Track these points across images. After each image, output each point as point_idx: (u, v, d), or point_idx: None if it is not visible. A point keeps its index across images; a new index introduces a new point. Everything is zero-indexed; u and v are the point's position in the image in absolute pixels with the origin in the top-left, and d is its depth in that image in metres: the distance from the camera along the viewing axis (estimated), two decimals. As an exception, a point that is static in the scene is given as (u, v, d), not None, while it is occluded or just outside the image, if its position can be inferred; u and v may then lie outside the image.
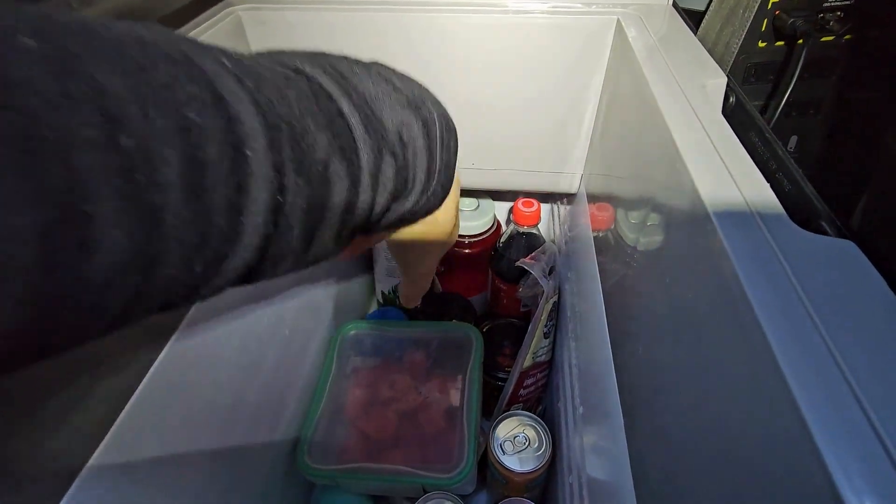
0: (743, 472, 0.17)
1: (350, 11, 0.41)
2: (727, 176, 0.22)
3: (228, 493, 0.42)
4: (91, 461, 0.27)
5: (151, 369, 0.32)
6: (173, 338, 0.34)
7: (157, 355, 0.33)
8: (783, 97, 0.43)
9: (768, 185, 0.21)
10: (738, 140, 0.24)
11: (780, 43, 0.44)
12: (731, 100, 0.41)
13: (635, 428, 0.29)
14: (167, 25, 0.35)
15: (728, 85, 0.42)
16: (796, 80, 0.43)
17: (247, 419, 0.45)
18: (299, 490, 0.56)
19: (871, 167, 0.38)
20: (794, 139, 0.47)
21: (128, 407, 0.30)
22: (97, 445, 0.28)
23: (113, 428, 0.29)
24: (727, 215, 0.20)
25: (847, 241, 0.19)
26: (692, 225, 0.22)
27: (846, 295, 0.17)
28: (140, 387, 0.31)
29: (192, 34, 0.37)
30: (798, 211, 0.34)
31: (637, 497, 0.28)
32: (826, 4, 0.41)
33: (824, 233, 0.32)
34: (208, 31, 0.38)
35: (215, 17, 0.40)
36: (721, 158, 0.23)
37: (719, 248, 0.19)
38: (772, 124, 0.45)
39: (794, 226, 0.19)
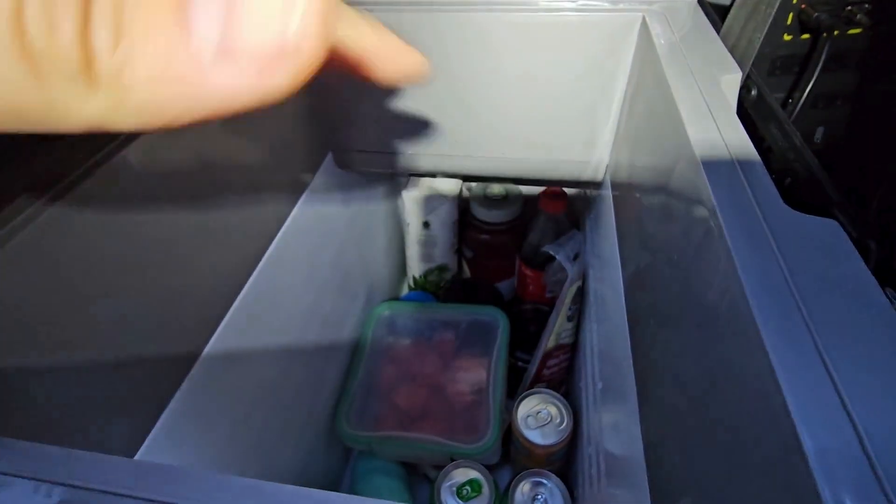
0: (734, 445, 0.20)
1: (387, 12, 0.44)
2: (735, 169, 0.24)
3: (276, 455, 0.47)
4: (164, 414, 0.32)
5: (209, 343, 0.37)
6: (227, 315, 0.39)
7: (215, 330, 0.38)
8: (806, 89, 0.44)
9: (767, 173, 0.23)
10: (746, 135, 0.26)
11: (806, 36, 0.44)
12: (752, 92, 0.42)
13: (647, 406, 0.32)
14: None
15: (750, 77, 0.43)
16: (821, 73, 0.44)
17: (292, 390, 0.49)
18: (339, 455, 0.60)
19: (888, 160, 0.39)
20: (820, 130, 0.48)
21: (191, 374, 0.35)
22: (167, 403, 0.33)
23: (179, 391, 0.34)
24: (728, 204, 0.22)
25: (830, 220, 0.21)
26: (698, 215, 0.24)
27: (825, 270, 0.19)
28: (201, 356, 0.36)
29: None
30: (814, 201, 0.36)
31: (647, 467, 0.31)
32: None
33: (838, 222, 0.34)
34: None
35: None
36: (728, 151, 0.25)
37: (719, 235, 0.21)
38: (794, 115, 0.46)
39: (786, 207, 0.22)
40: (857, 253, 0.20)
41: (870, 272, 0.19)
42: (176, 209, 0.33)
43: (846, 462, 0.14)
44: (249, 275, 0.42)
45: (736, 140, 0.26)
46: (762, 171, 0.23)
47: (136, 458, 0.31)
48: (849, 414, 0.16)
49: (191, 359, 0.35)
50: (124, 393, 0.30)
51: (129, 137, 0.30)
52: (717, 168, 0.24)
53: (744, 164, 0.24)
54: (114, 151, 0.29)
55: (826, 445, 0.15)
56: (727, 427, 0.20)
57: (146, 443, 0.31)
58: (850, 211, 0.33)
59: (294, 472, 0.50)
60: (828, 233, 0.21)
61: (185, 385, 0.34)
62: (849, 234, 0.32)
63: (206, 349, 0.37)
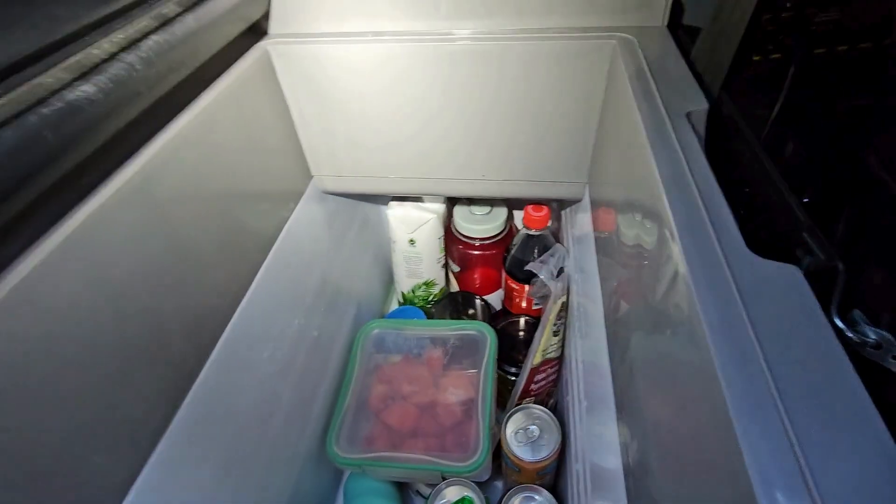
0: (692, 465, 0.21)
1: (368, 43, 0.44)
2: (699, 207, 0.25)
3: (268, 480, 0.47)
4: (157, 449, 0.32)
5: (201, 373, 0.37)
6: (219, 344, 0.39)
7: (206, 361, 0.38)
8: (776, 108, 0.45)
9: (732, 215, 0.24)
10: (712, 174, 0.27)
11: (776, 55, 0.46)
12: (724, 112, 0.43)
13: (622, 421, 0.33)
14: (212, 66, 0.39)
15: (720, 100, 0.44)
16: (790, 90, 0.45)
17: (282, 413, 0.50)
18: (330, 476, 0.61)
19: (855, 177, 0.40)
20: (790, 146, 0.49)
21: (184, 403, 0.35)
22: (159, 439, 0.33)
23: (173, 422, 0.34)
24: (692, 245, 0.23)
25: (792, 266, 0.22)
26: (662, 247, 0.25)
27: (784, 315, 0.20)
28: (192, 388, 0.36)
29: (229, 70, 0.42)
30: (783, 222, 0.37)
31: (625, 477, 0.32)
32: (817, 19, 0.43)
33: (805, 244, 0.35)
34: (242, 66, 0.43)
35: (248, 53, 0.44)
36: (696, 188, 0.26)
37: (683, 278, 0.22)
38: (765, 134, 0.48)
39: (749, 252, 0.23)
40: (814, 298, 0.21)
41: (824, 315, 0.20)
42: (161, 244, 0.34)
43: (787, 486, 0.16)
44: (237, 305, 0.42)
45: (703, 181, 0.27)
46: (727, 215, 0.24)
47: (132, 493, 0.31)
48: (791, 441, 0.17)
49: (181, 392, 0.36)
50: (115, 432, 0.30)
51: (106, 175, 0.30)
52: (683, 212, 0.25)
53: (710, 208, 0.25)
54: (88, 191, 0.29)
55: (768, 467, 0.16)
56: (685, 450, 0.21)
57: (141, 476, 0.31)
58: (818, 234, 0.34)
59: (286, 495, 0.50)
60: (788, 279, 0.21)
61: (175, 420, 0.35)
62: (816, 256, 0.33)
63: (196, 382, 0.37)
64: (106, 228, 0.29)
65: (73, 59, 0.26)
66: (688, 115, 0.32)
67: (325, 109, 0.49)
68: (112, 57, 0.29)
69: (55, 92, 0.24)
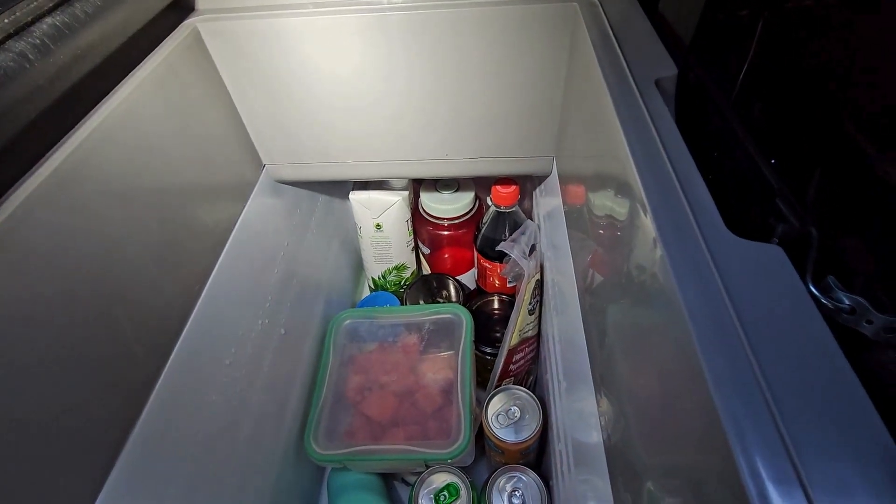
0: (671, 429, 0.20)
1: (311, 16, 0.40)
2: (672, 182, 0.23)
3: (245, 479, 0.45)
4: (118, 461, 0.30)
5: (157, 384, 0.34)
6: (174, 353, 0.36)
7: (162, 371, 0.35)
8: (745, 64, 0.44)
9: (708, 191, 0.23)
10: (685, 146, 0.25)
11: (744, 12, 0.44)
12: (691, 75, 0.42)
13: (601, 396, 0.32)
14: (130, 50, 0.35)
15: (688, 61, 0.42)
16: (759, 47, 0.44)
17: (253, 417, 0.47)
18: (311, 472, 0.59)
19: (825, 137, 0.39)
20: (759, 106, 0.48)
21: (142, 416, 0.32)
22: (117, 456, 0.30)
23: (131, 436, 0.31)
24: (668, 223, 0.21)
25: (775, 245, 0.20)
26: (636, 223, 0.23)
27: (767, 296, 0.19)
28: (149, 400, 0.33)
29: (153, 53, 0.37)
30: (755, 188, 0.36)
31: (606, 451, 0.32)
32: (783, -29, 0.41)
33: (778, 210, 0.34)
34: (168, 48, 0.38)
35: (174, 33, 0.40)
36: (669, 163, 0.24)
37: (660, 258, 0.20)
38: (736, 92, 0.46)
39: (728, 232, 0.21)
40: (793, 268, 0.20)
41: (811, 298, 0.19)
42: (93, 248, 0.30)
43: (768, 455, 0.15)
44: (191, 310, 0.39)
45: (674, 150, 0.25)
46: (701, 184, 0.22)
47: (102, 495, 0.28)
48: (767, 403, 0.16)
49: (137, 405, 0.33)
50: (75, 442, 0.28)
51: (44, 173, 0.26)
52: (655, 184, 0.23)
53: (682, 179, 0.23)
54: (29, 186, 0.25)
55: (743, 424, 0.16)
56: (664, 422, 0.21)
57: (103, 491, 0.29)
58: (791, 199, 0.33)
59: (268, 495, 0.49)
60: (764, 249, 0.20)
61: (137, 428, 0.32)
62: (789, 223, 0.32)
63: (152, 394, 0.34)
64: (24, 235, 0.26)
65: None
66: (657, 83, 0.30)
67: (270, 92, 0.45)
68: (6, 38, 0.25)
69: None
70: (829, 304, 0.29)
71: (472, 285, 0.75)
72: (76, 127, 0.29)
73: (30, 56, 0.24)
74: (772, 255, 0.20)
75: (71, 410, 0.28)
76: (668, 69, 0.31)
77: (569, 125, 0.43)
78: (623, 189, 0.26)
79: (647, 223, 0.22)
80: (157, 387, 0.34)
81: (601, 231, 0.32)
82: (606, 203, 0.30)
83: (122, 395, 0.32)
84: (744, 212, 0.37)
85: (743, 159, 0.36)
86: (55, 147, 0.27)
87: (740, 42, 0.44)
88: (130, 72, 0.34)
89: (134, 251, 0.33)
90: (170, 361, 0.36)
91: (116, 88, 0.32)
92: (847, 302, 0.29)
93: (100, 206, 0.31)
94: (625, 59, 0.32)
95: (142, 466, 0.32)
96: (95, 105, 0.30)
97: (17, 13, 0.24)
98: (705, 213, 0.21)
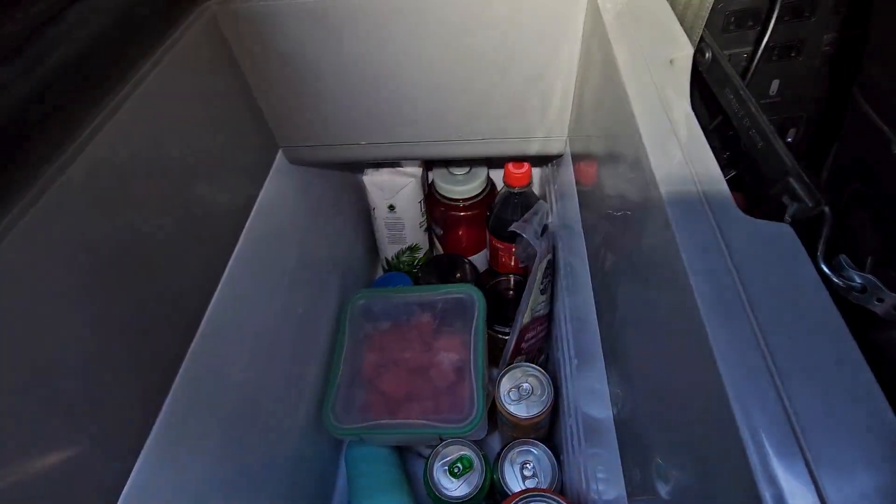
0: (680, 406, 0.21)
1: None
2: (684, 161, 0.24)
3: (268, 456, 0.47)
4: (146, 445, 0.32)
5: (185, 359, 0.36)
6: (199, 329, 0.38)
7: (188, 347, 0.37)
8: (762, 43, 0.43)
9: (720, 173, 0.23)
10: (699, 127, 0.25)
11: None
12: (707, 55, 0.41)
13: (611, 372, 0.33)
14: (145, 33, 0.36)
15: (703, 39, 0.42)
16: (776, 24, 0.43)
17: (274, 391, 0.49)
18: (331, 445, 0.62)
19: (841, 114, 0.39)
20: (776, 83, 0.47)
21: (172, 390, 0.34)
22: (151, 426, 0.32)
23: (163, 408, 0.33)
24: (679, 203, 0.22)
25: (784, 224, 0.21)
26: (648, 203, 0.24)
27: (777, 277, 0.19)
28: (178, 375, 0.35)
29: (171, 37, 0.38)
30: (767, 168, 0.36)
31: (616, 427, 0.33)
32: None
33: (791, 190, 0.34)
34: (186, 31, 0.39)
35: (191, 17, 0.40)
36: (681, 143, 0.25)
37: (671, 236, 0.21)
38: (752, 71, 0.46)
39: (738, 211, 0.22)
40: (803, 250, 0.20)
41: (819, 276, 0.19)
42: (123, 230, 0.32)
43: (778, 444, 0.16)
44: (215, 287, 0.41)
45: (690, 135, 0.25)
46: (718, 175, 0.23)
47: (135, 470, 0.30)
48: (778, 390, 0.17)
49: (167, 379, 0.35)
50: (107, 419, 0.29)
51: (74, 154, 0.27)
52: (669, 170, 0.23)
53: (695, 161, 0.23)
54: (56, 173, 0.27)
55: (754, 414, 0.16)
56: (673, 398, 0.22)
57: (137, 464, 0.31)
58: (804, 179, 0.33)
59: (287, 469, 0.51)
60: (775, 228, 0.20)
61: (165, 408, 0.34)
62: (802, 202, 0.32)
63: (181, 369, 0.36)
64: (61, 218, 0.27)
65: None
66: (671, 62, 0.30)
67: (285, 74, 0.46)
68: (33, 33, 0.26)
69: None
70: (840, 283, 0.29)
71: (484, 266, 0.76)
72: (102, 109, 0.30)
73: (56, 41, 0.25)
74: (781, 234, 0.20)
75: (106, 378, 0.29)
76: (684, 48, 0.31)
77: (582, 105, 0.43)
78: (635, 168, 0.26)
79: (659, 202, 0.22)
80: (183, 364, 0.36)
81: (613, 211, 0.32)
82: (619, 183, 0.31)
83: (151, 374, 0.33)
84: (756, 191, 0.37)
85: (757, 137, 0.36)
86: (83, 130, 0.28)
87: (760, 14, 0.43)
88: (149, 56, 0.35)
89: (162, 233, 0.34)
90: (197, 334, 0.37)
91: (140, 73, 0.33)
92: (858, 281, 0.29)
93: (128, 190, 0.32)
94: (639, 37, 0.31)
95: (172, 441, 0.34)
96: (117, 89, 0.31)
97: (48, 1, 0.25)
98: (716, 192, 0.22)
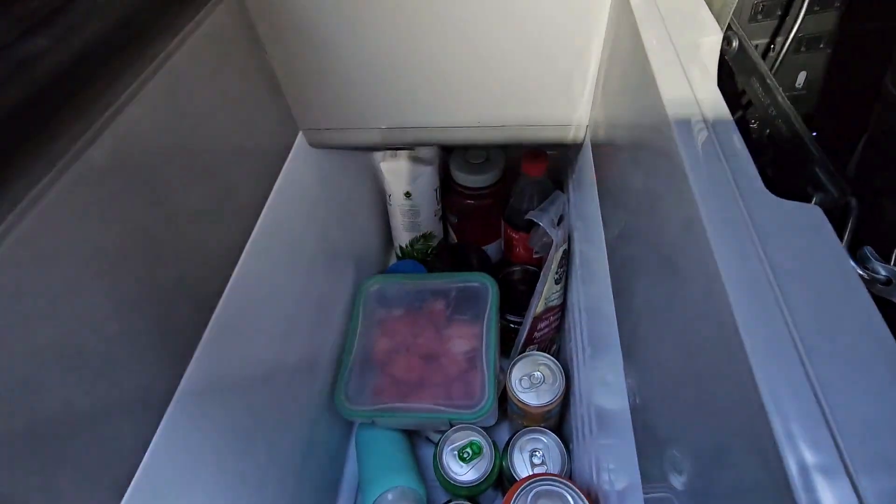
0: (707, 398, 0.21)
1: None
2: (713, 147, 0.23)
3: (280, 435, 0.48)
4: (163, 422, 0.32)
5: (203, 337, 0.37)
6: (218, 308, 0.38)
7: (206, 326, 0.37)
8: (790, 34, 0.43)
9: (750, 157, 0.23)
10: (727, 110, 0.25)
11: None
12: (733, 44, 0.41)
13: (630, 363, 0.33)
14: (174, 14, 0.36)
15: (730, 28, 0.41)
16: (805, 15, 0.42)
17: (288, 373, 0.50)
18: (342, 425, 0.62)
19: (870, 107, 0.38)
20: (802, 75, 0.46)
21: (189, 368, 0.35)
22: (168, 404, 0.33)
23: (180, 386, 0.34)
24: (708, 188, 0.22)
25: (813, 206, 0.20)
26: (674, 188, 0.24)
27: (805, 258, 0.19)
28: (195, 353, 0.36)
29: (195, 18, 0.38)
30: (794, 157, 0.36)
31: (632, 417, 0.33)
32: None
33: (817, 180, 0.34)
34: (210, 12, 0.39)
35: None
36: (708, 127, 0.24)
37: (698, 224, 0.21)
38: (779, 61, 0.45)
39: (767, 192, 0.21)
40: (836, 238, 0.20)
41: (850, 260, 0.19)
42: (145, 207, 0.32)
43: (809, 437, 0.15)
44: (233, 268, 0.41)
45: (718, 119, 0.25)
46: (745, 155, 0.23)
47: (153, 443, 0.31)
48: (810, 380, 0.16)
49: (184, 357, 0.35)
50: (129, 395, 0.30)
51: (100, 129, 0.28)
52: (697, 154, 0.23)
53: (726, 148, 0.23)
54: (83, 147, 0.27)
55: (787, 410, 0.16)
56: (699, 390, 0.21)
57: (154, 441, 0.31)
58: (831, 169, 0.33)
59: (299, 448, 0.52)
60: (809, 218, 0.20)
61: (183, 381, 0.34)
62: (828, 192, 0.32)
63: (199, 347, 0.36)
64: (86, 195, 0.27)
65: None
66: (698, 47, 0.29)
67: (309, 58, 0.46)
68: (63, 6, 0.26)
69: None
70: (864, 275, 0.29)
71: (497, 256, 0.76)
72: (128, 86, 0.30)
73: (88, 15, 0.26)
74: (811, 215, 0.20)
75: (127, 355, 0.30)
76: (713, 32, 0.31)
77: (605, 92, 0.43)
78: (662, 155, 0.26)
79: (687, 188, 0.22)
80: (201, 342, 0.36)
81: (637, 198, 0.32)
82: (644, 170, 0.30)
83: (171, 345, 0.34)
84: (782, 180, 0.36)
85: (783, 127, 0.36)
86: (108, 105, 0.29)
87: (787, 4, 0.42)
88: (175, 35, 0.35)
89: (185, 214, 0.35)
90: (216, 312, 0.38)
91: (166, 52, 0.34)
92: (883, 273, 0.29)
93: (153, 169, 0.32)
94: (666, 22, 0.31)
95: (188, 418, 0.34)
96: (142, 65, 0.32)
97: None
98: (745, 175, 0.21)
